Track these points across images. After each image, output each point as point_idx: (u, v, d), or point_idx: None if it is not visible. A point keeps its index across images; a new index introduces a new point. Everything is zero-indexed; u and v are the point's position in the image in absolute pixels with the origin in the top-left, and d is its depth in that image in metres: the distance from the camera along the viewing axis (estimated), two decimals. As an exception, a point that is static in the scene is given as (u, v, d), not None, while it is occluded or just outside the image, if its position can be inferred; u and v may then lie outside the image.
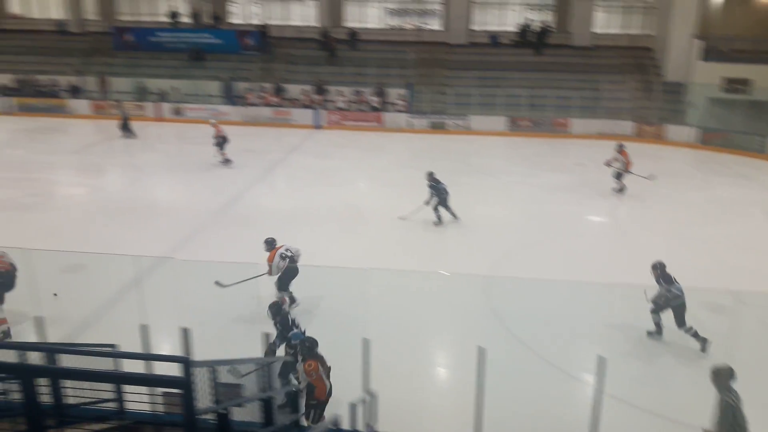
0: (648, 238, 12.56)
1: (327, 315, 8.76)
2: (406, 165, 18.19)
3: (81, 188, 15.70)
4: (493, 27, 29.22)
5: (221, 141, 17.65)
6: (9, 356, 3.32)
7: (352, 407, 5.34)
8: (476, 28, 29.05)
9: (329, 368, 6.16)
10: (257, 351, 6.26)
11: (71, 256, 9.46)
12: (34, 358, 3.37)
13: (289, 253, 8.87)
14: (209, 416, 3.38)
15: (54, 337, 7.75)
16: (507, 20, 29.57)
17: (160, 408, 3.80)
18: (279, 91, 25.19)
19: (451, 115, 24.24)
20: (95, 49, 28.08)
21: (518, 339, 8.21)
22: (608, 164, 15.85)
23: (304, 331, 6.83)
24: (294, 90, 25.39)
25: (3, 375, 3.18)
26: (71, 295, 8.83)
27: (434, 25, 30.40)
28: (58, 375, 2.94)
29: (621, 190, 15.64)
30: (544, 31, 27.18)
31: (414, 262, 10.87)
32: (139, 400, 2.72)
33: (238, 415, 4.31)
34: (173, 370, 2.82)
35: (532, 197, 15.43)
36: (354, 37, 28.12)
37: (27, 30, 30.36)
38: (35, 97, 25.59)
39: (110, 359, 4.18)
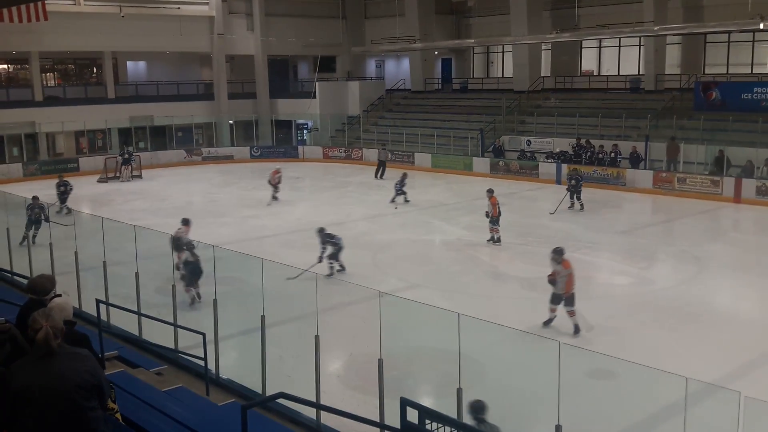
0: None
1: None
2: None
3: (624, 277, 16.55)
4: None
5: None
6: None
7: None
8: None
9: None
10: None
11: (599, 359, 9.95)
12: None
13: None
14: None
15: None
16: None
17: None
18: None
19: None
20: (669, 110, 29.69)
21: None
22: None
23: None
24: None
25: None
26: (595, 406, 9.44)
27: None
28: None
29: None
30: None
31: None
32: None
33: None
34: None
35: None
36: None
37: (596, 89, 34.56)
38: (590, 165, 28.51)
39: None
